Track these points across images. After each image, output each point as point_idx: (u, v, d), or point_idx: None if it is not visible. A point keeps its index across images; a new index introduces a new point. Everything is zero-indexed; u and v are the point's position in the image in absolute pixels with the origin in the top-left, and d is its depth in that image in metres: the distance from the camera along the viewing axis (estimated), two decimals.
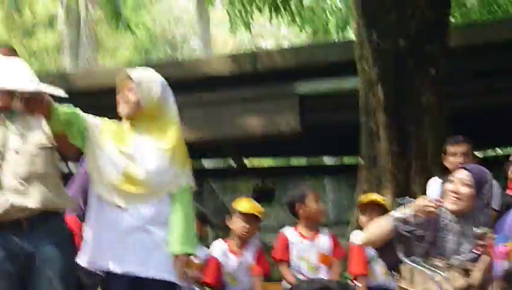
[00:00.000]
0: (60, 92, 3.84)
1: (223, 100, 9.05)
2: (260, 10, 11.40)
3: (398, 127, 7.47)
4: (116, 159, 3.93)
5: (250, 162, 16.20)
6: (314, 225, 6.10)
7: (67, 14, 24.45)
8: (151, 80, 4.06)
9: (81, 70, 19.27)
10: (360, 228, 5.87)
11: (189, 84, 8.14)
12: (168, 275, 3.93)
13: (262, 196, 11.98)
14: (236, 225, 5.94)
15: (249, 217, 5.93)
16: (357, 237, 5.83)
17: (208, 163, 16.17)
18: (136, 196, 3.92)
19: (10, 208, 3.95)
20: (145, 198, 3.93)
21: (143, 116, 4.03)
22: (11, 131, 4.07)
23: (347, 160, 17.80)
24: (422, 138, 7.43)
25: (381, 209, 5.80)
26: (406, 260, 4.21)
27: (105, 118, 4.10)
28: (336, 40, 13.26)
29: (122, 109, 4.05)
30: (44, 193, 4.02)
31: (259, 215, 6.00)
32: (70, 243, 4.20)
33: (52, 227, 4.05)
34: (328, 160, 19.18)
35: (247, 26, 11.57)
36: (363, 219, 5.97)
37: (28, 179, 4.00)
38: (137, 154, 3.95)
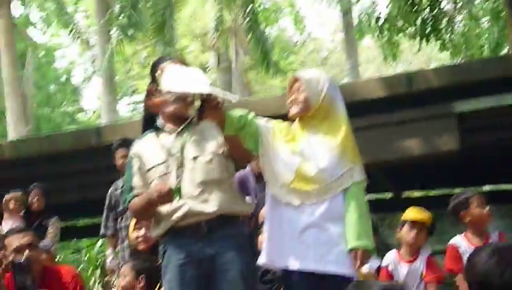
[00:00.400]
0: (235, 97, 3.96)
1: (378, 124, 8.98)
2: (411, 39, 11.34)
3: None
4: (289, 159, 4.00)
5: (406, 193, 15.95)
6: (483, 231, 5.92)
7: (219, 62, 25.12)
8: (318, 78, 4.11)
9: None
10: None
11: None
12: (346, 269, 3.92)
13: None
14: (405, 233, 5.89)
15: (416, 225, 5.86)
16: None
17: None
18: (309, 193, 3.96)
19: (189, 213, 4.08)
20: (319, 195, 3.96)
21: (312, 115, 4.08)
22: (188, 139, 4.22)
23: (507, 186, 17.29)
24: None
25: None
26: None
27: (277, 120, 4.14)
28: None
29: (292, 110, 4.11)
30: (221, 198, 4.14)
31: (425, 220, 5.91)
32: (249, 246, 4.28)
33: (230, 230, 4.15)
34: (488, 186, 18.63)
35: (394, 57, 11.52)
36: None
37: (204, 185, 4.12)
38: (309, 152, 3.99)
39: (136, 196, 4.24)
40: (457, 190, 18.87)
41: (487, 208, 5.77)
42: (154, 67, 4.38)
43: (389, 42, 11.64)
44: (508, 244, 2.76)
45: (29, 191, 8.53)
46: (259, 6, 13.74)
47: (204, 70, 28.74)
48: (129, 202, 4.29)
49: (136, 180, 4.28)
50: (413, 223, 5.89)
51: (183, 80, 3.95)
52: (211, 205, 4.10)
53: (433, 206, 14.33)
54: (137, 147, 4.37)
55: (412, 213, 5.97)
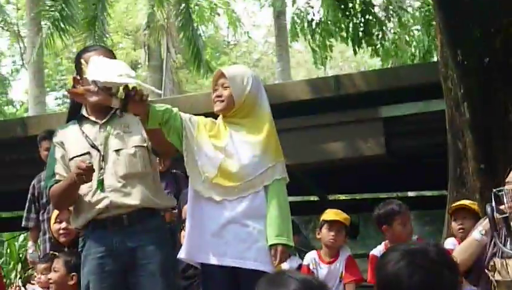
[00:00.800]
0: (156, 90, 3.98)
1: (305, 126, 9.06)
2: (346, 42, 11.44)
3: (486, 146, 7.35)
4: (212, 154, 4.02)
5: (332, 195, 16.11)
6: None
7: (149, 59, 24.99)
8: (243, 74, 4.13)
9: None
10: (453, 235, 5.81)
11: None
12: (265, 266, 3.94)
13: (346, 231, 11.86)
14: (324, 234, 5.96)
15: (334, 225, 5.93)
16: (449, 244, 5.77)
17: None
18: (231, 189, 3.98)
19: (110, 205, 4.08)
20: (240, 191, 3.99)
21: (237, 111, 4.10)
22: (112, 131, 4.21)
23: (431, 193, 17.57)
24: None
25: (471, 215, 5.71)
26: (504, 249, 4.09)
27: (201, 116, 4.16)
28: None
29: (216, 106, 4.12)
30: (143, 192, 4.15)
31: (344, 223, 5.99)
32: (169, 240, 4.30)
33: (151, 224, 4.16)
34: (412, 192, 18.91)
35: (323, 62, 11.59)
36: (454, 225, 5.90)
37: (126, 178, 4.13)
38: (232, 148, 4.02)
39: (58, 181, 4.21)
40: (382, 195, 19.21)
41: (409, 226, 5.87)
42: (79, 57, 4.36)
43: (320, 46, 11.71)
44: (418, 248, 2.79)
45: None
46: (195, 5, 13.66)
47: (135, 67, 28.63)
48: (50, 187, 4.26)
49: (58, 167, 4.26)
50: (332, 224, 5.96)
51: (108, 70, 3.94)
52: (132, 198, 4.11)
53: (358, 210, 14.57)
54: (60, 136, 4.35)
55: (330, 214, 6.04)
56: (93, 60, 4.09)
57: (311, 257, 6.07)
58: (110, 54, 4.40)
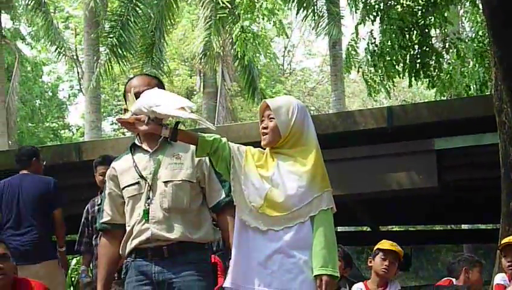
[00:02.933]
0: (210, 125, 4.06)
1: (358, 156, 9.06)
2: (400, 76, 11.38)
3: None
4: (259, 184, 4.02)
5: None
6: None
7: (204, 86, 25.19)
8: (288, 105, 4.13)
9: None
10: (503, 271, 5.78)
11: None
12: None
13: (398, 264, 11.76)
14: (377, 262, 5.95)
15: (389, 255, 5.92)
16: (498, 279, 5.76)
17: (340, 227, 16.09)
18: (277, 219, 3.97)
19: (151, 237, 4.16)
20: (286, 221, 3.97)
21: (283, 142, 4.10)
22: (162, 160, 4.27)
23: (485, 226, 17.37)
24: None
25: None
26: None
27: (250, 146, 4.20)
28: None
29: (263, 139, 4.15)
30: (183, 227, 4.19)
31: (399, 254, 5.97)
32: (209, 274, 4.32)
33: (191, 256, 4.19)
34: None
35: (387, 91, 11.50)
36: (504, 261, 5.87)
37: (170, 211, 4.19)
38: (278, 178, 4.02)
39: (104, 224, 4.38)
40: (436, 227, 19.02)
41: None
42: (126, 86, 4.44)
43: (374, 79, 11.60)
44: None
45: None
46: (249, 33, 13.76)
47: (190, 94, 28.90)
48: (100, 231, 4.51)
49: (106, 204, 4.39)
50: (386, 254, 5.95)
51: (169, 102, 4.00)
52: (173, 232, 4.16)
53: (411, 242, 14.44)
54: (112, 168, 4.41)
55: (386, 244, 6.03)
56: (150, 91, 4.15)
57: (357, 287, 6.05)
58: (155, 81, 4.47)
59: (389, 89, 11.42)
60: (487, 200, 9.51)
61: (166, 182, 4.22)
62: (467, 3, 12.57)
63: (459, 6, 14.26)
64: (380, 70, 11.03)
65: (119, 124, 4.29)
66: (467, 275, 6.49)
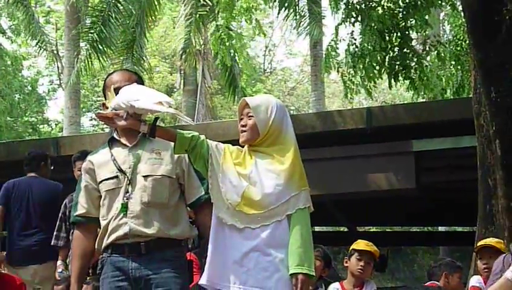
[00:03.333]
0: (188, 120, 4.07)
1: (336, 157, 9.08)
2: (378, 77, 11.41)
3: None
4: (237, 182, 4.02)
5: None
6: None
7: (184, 84, 25.14)
8: (267, 104, 4.14)
9: None
10: (479, 273, 5.82)
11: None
12: None
13: (374, 264, 11.78)
14: (352, 263, 5.95)
15: (364, 256, 5.93)
16: (474, 282, 5.79)
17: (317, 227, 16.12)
18: (254, 217, 3.98)
19: (129, 233, 4.14)
20: (263, 220, 3.98)
21: (261, 140, 4.11)
22: (142, 155, 4.27)
23: (461, 228, 17.45)
24: None
25: (497, 254, 5.69)
26: None
27: (228, 144, 4.20)
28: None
29: (242, 136, 4.15)
30: (162, 222, 4.19)
31: (374, 254, 5.98)
32: (185, 271, 4.32)
33: (168, 253, 4.20)
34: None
35: (369, 92, 11.51)
36: (480, 264, 5.90)
37: (149, 206, 4.17)
38: (256, 176, 4.02)
39: (78, 217, 4.35)
40: (412, 229, 19.10)
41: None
42: (105, 81, 4.43)
43: (352, 80, 11.60)
44: None
45: None
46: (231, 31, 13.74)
47: (171, 91, 28.85)
48: (73, 223, 4.48)
49: (81, 197, 4.36)
50: (362, 254, 5.96)
51: (147, 97, 3.99)
52: (151, 228, 4.14)
53: (387, 243, 14.47)
54: (89, 161, 4.39)
55: (361, 244, 6.04)
56: (129, 87, 4.14)
57: (334, 287, 6.07)
58: (135, 77, 4.47)
59: (370, 89, 11.44)
60: (464, 203, 9.54)
61: (146, 177, 4.21)
62: (448, 7, 12.60)
63: (439, 9, 14.31)
64: (359, 72, 11.05)
65: (98, 118, 4.27)
66: (447, 280, 6.52)
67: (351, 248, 6.09)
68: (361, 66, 10.91)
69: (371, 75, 10.96)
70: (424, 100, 12.51)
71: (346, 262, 6.08)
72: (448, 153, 8.96)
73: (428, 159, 9.07)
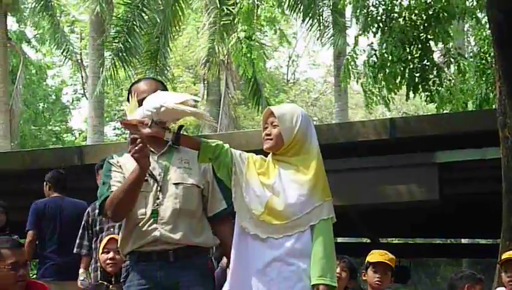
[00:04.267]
0: (211, 121, 4.11)
1: (359, 167, 9.05)
2: (398, 88, 11.36)
3: None
4: (260, 192, 4.02)
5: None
6: None
7: (208, 94, 25.19)
8: (292, 113, 4.14)
9: None
10: (503, 285, 5.77)
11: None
12: None
13: (397, 276, 11.69)
14: (369, 276, 5.92)
15: (380, 267, 5.89)
16: None
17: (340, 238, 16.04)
18: (277, 227, 3.97)
19: (159, 238, 4.13)
20: (286, 230, 3.97)
21: (286, 150, 4.11)
22: (172, 163, 4.28)
23: (485, 241, 17.31)
24: None
25: None
26: None
27: (252, 153, 4.20)
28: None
29: (266, 145, 4.15)
30: (190, 230, 4.19)
31: (390, 263, 5.93)
32: (211, 279, 4.34)
33: (196, 261, 4.20)
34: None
35: (387, 104, 11.47)
36: (504, 277, 5.85)
37: (179, 213, 4.18)
38: (279, 186, 4.02)
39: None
40: (435, 241, 18.98)
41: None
42: (130, 89, 4.43)
43: (373, 91, 11.54)
44: None
45: None
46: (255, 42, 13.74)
47: (194, 101, 28.89)
48: (105, 199, 4.22)
49: (113, 181, 4.24)
50: (377, 266, 5.92)
51: (165, 99, 3.99)
52: (179, 234, 4.14)
53: (410, 255, 14.37)
54: (117, 159, 4.35)
55: (375, 255, 6.00)
56: (153, 94, 4.13)
57: None
58: (161, 86, 4.47)
59: (388, 101, 11.40)
60: (488, 215, 9.47)
61: (177, 184, 4.22)
62: (471, 19, 12.55)
63: (462, 22, 14.22)
64: (379, 83, 11.02)
65: (123, 126, 4.28)
66: None
67: (366, 261, 6.05)
68: (380, 77, 10.89)
69: (390, 86, 10.93)
70: (448, 112, 12.43)
71: (364, 275, 6.04)
72: (472, 164, 8.90)
73: (452, 170, 9.01)
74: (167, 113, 3.96)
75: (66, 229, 8.04)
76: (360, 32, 11.05)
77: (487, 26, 10.96)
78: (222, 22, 16.57)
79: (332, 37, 16.93)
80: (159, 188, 4.20)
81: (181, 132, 4.04)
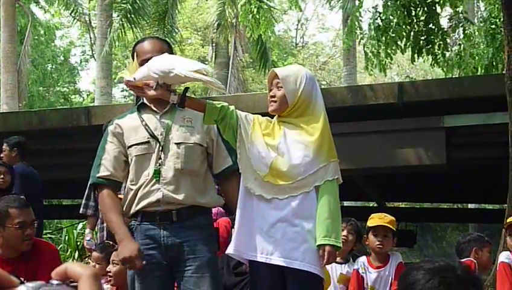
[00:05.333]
0: (220, 85, 4.12)
1: (366, 131, 9.04)
2: (402, 51, 11.31)
3: None
4: (265, 152, 4.02)
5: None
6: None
7: (217, 57, 25.17)
8: (296, 75, 4.12)
9: None
10: (508, 250, 5.79)
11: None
12: (311, 267, 3.94)
13: (403, 240, 11.72)
14: (370, 240, 5.92)
15: (380, 231, 5.88)
16: (503, 257, 5.77)
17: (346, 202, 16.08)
18: (282, 188, 3.98)
19: (161, 199, 4.13)
20: (291, 190, 3.98)
21: (290, 111, 4.10)
22: (173, 122, 4.26)
23: (491, 206, 17.34)
24: None
25: None
26: None
27: (258, 115, 4.20)
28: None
29: (271, 106, 4.15)
30: (193, 189, 4.18)
31: (390, 226, 5.92)
32: (215, 239, 4.35)
33: (199, 221, 4.20)
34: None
35: (384, 69, 11.41)
36: (509, 240, 5.86)
37: (182, 173, 4.17)
38: (284, 147, 4.02)
39: (101, 178, 4.27)
40: (442, 205, 19.01)
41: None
42: (134, 49, 4.41)
43: (374, 53, 11.47)
44: (445, 265, 2.74)
45: None
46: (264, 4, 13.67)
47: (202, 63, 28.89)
48: (94, 184, 4.36)
49: (106, 159, 4.29)
50: (377, 230, 5.91)
51: (183, 65, 3.98)
52: (182, 194, 4.14)
53: (416, 219, 14.39)
54: (117, 125, 4.34)
55: (375, 219, 5.97)
56: (161, 56, 4.12)
57: (361, 261, 6.05)
58: (166, 46, 4.44)
59: (385, 65, 11.35)
60: (495, 180, 9.48)
61: (178, 144, 4.20)
62: None
63: None
64: (380, 47, 10.98)
65: (127, 87, 4.26)
66: (477, 255, 6.45)
67: (366, 225, 6.05)
68: (382, 40, 10.84)
69: (389, 50, 10.89)
70: (456, 76, 12.38)
71: (366, 240, 6.05)
72: (480, 129, 8.89)
73: (459, 135, 9.00)
74: (176, 78, 3.96)
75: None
76: None
77: None
78: None
79: (341, 0, 16.84)
80: (161, 148, 4.19)
81: (186, 94, 4.03)
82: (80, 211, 7.47)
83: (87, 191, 7.38)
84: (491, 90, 8.53)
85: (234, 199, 4.19)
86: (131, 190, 4.23)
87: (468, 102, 8.72)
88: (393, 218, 5.98)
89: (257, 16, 12.78)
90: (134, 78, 4.01)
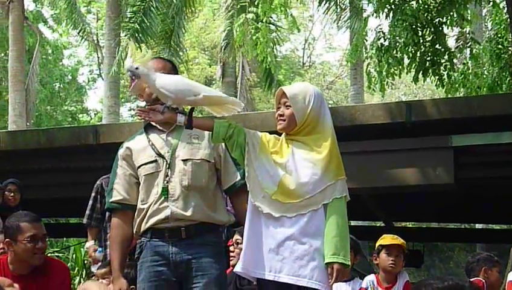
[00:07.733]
0: (241, 105, 4.12)
1: (375, 150, 9.02)
2: (406, 72, 11.30)
3: None
4: (273, 170, 4.02)
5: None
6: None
7: (223, 76, 25.19)
8: (305, 93, 4.13)
9: None
10: None
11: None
12: (320, 285, 3.94)
13: (410, 260, 11.65)
14: (383, 259, 5.91)
15: (393, 250, 5.87)
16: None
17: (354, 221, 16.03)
18: (290, 206, 3.98)
19: (170, 216, 4.14)
20: (299, 208, 3.98)
21: (299, 129, 4.10)
22: (180, 140, 4.29)
23: (499, 226, 17.27)
24: None
25: None
26: None
27: (265, 132, 4.19)
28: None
29: (279, 124, 4.15)
30: (202, 206, 4.21)
31: (403, 246, 5.92)
32: (223, 256, 4.35)
33: (208, 238, 4.21)
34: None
35: (384, 88, 11.39)
36: None
37: (189, 189, 4.19)
38: (292, 165, 4.02)
39: (115, 203, 4.35)
40: (450, 225, 18.93)
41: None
42: None
43: (379, 72, 11.45)
44: (456, 284, 2.71)
45: (4, 186, 8.49)
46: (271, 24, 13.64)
47: (210, 83, 28.90)
48: (109, 210, 4.57)
49: (117, 184, 4.37)
50: (390, 249, 5.90)
51: (199, 89, 4.03)
52: (191, 211, 4.16)
53: (424, 239, 14.32)
54: (126, 148, 4.41)
55: (388, 239, 5.99)
56: (177, 78, 4.16)
57: (369, 279, 6.03)
58: (171, 66, 4.48)
59: (387, 85, 11.32)
60: (503, 200, 9.44)
61: (185, 161, 4.24)
62: (488, 3, 12.45)
63: (480, 6, 14.12)
64: (382, 67, 10.96)
65: (137, 112, 4.29)
66: (486, 275, 6.44)
67: (377, 244, 6.03)
68: (384, 61, 10.84)
69: (391, 71, 10.88)
70: (464, 95, 12.36)
71: (376, 259, 6.03)
72: (488, 148, 8.84)
73: (468, 154, 8.95)
74: (203, 101, 4.01)
75: None
76: (371, 13, 10.99)
77: (505, 10, 10.88)
78: (240, 4, 16.51)
79: (348, 20, 16.86)
80: (167, 165, 4.22)
81: (192, 114, 4.05)
82: (84, 222, 7.35)
83: (91, 201, 7.26)
84: (499, 110, 8.50)
85: (243, 214, 4.19)
86: (142, 209, 4.25)
87: (477, 121, 8.68)
88: (404, 241, 5.99)
89: (253, 38, 12.72)
90: (138, 68, 4.00)
